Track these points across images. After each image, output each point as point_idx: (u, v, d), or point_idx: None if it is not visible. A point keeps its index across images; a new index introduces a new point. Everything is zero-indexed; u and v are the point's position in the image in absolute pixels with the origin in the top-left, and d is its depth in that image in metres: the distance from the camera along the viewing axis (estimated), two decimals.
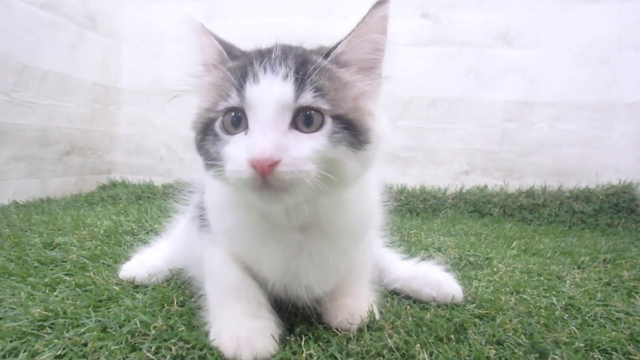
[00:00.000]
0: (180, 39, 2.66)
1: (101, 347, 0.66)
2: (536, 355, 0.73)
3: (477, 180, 2.39)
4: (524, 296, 1.00)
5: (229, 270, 0.78)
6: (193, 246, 0.89)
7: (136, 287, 0.97)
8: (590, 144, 2.30)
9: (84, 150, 2.50)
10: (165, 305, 0.85)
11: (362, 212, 0.80)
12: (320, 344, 0.73)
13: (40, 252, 1.16)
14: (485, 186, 2.33)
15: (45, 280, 0.94)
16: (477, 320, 0.86)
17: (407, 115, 2.46)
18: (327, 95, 0.65)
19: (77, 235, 1.29)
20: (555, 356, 0.72)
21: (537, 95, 2.34)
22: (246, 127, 0.65)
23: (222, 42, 0.76)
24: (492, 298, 0.98)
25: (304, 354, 0.68)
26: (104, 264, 1.09)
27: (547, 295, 1.02)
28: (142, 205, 2.08)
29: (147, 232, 1.44)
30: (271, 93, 0.63)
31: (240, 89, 0.65)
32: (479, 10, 2.37)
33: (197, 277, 0.89)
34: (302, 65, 0.66)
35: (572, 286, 1.11)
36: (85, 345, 0.67)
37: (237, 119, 0.66)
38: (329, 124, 0.64)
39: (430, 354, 0.70)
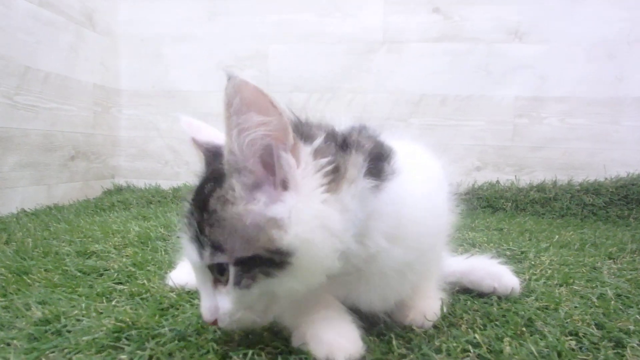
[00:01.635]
0: (180, 40, 2.63)
1: (191, 356, 0.64)
2: (612, 344, 0.73)
3: (489, 176, 2.41)
4: (574, 287, 1.01)
5: None
6: None
7: (191, 293, 0.95)
8: (599, 139, 2.34)
9: (87, 155, 2.45)
10: None
11: (417, 236, 0.71)
12: (402, 342, 0.72)
13: (77, 261, 1.13)
14: (497, 181, 2.36)
15: (98, 290, 0.92)
16: (541, 312, 0.86)
17: (418, 113, 2.47)
18: (224, 245, 0.60)
19: (111, 243, 1.26)
20: (633, 344, 0.72)
21: (547, 91, 2.36)
22: None
23: (207, 156, 0.71)
24: (545, 290, 0.99)
25: (395, 353, 0.67)
26: (150, 270, 1.06)
27: (594, 285, 1.04)
28: (155, 210, 2.05)
29: (179, 237, 1.41)
30: (189, 257, 0.65)
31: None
32: (490, 6, 2.38)
33: None
34: (200, 218, 0.62)
35: (612, 276, 1.13)
36: (171, 355, 0.65)
37: None
38: (232, 274, 0.61)
39: (515, 348, 0.70)
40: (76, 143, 2.35)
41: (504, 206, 2.23)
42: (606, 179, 2.24)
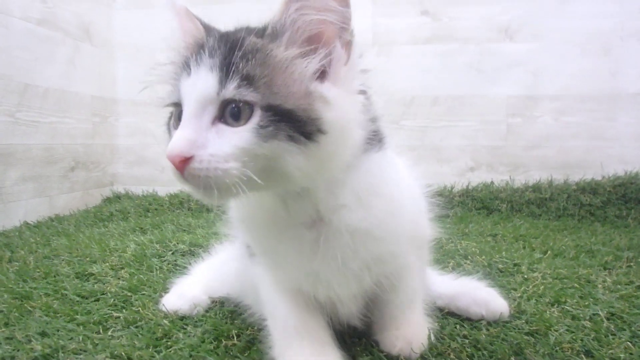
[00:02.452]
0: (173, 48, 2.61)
1: None
2: None
3: (483, 176, 2.41)
4: (566, 307, 1.02)
5: (290, 310, 0.77)
6: (247, 277, 0.89)
7: (183, 319, 0.97)
8: (594, 136, 2.33)
9: (87, 165, 2.47)
10: (223, 340, 0.85)
11: (381, 210, 0.71)
12: None
13: (77, 284, 1.15)
14: (492, 182, 2.36)
15: (95, 318, 0.94)
16: (530, 338, 0.87)
17: (410, 114, 2.47)
18: (257, 83, 0.58)
19: (108, 263, 1.28)
20: None
21: (541, 89, 2.36)
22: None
23: (206, 28, 0.71)
24: (536, 311, 0.99)
25: None
26: (144, 294, 1.08)
27: (587, 304, 1.04)
28: (152, 219, 2.06)
29: (173, 253, 1.44)
30: (196, 86, 0.59)
31: (178, 82, 0.63)
32: (479, 5, 2.37)
33: (253, 306, 0.90)
34: (231, 51, 0.59)
35: (606, 291, 1.13)
36: None
37: (180, 115, 0.61)
38: (256, 116, 0.57)
39: None
40: (76, 154, 2.37)
41: (499, 207, 2.22)
42: (603, 177, 2.23)
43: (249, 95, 0.57)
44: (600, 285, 1.17)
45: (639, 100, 2.27)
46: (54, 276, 1.21)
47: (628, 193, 2.14)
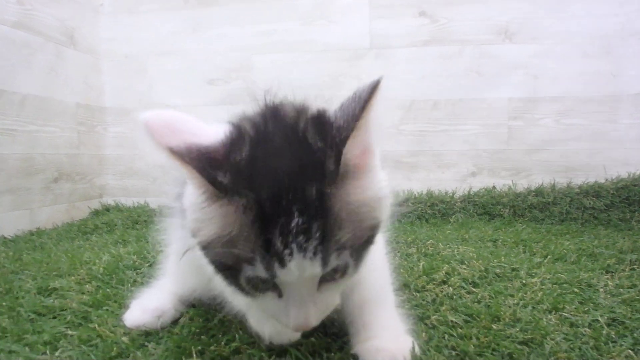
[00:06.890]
0: (164, 54, 2.57)
1: None
2: None
3: (485, 181, 2.32)
4: (564, 314, 0.93)
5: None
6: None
7: (146, 335, 0.88)
8: (597, 138, 2.25)
9: (72, 176, 2.39)
10: (183, 358, 0.76)
11: None
12: None
13: (35, 300, 1.06)
14: (494, 187, 2.27)
15: (45, 338, 0.85)
16: (524, 347, 0.78)
17: (409, 119, 2.39)
18: (348, 244, 0.57)
19: (74, 277, 1.19)
20: None
21: (541, 91, 2.28)
22: (276, 290, 0.60)
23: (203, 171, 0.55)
24: (532, 319, 0.90)
25: None
26: (108, 310, 0.99)
27: (586, 309, 0.96)
28: (139, 231, 1.99)
29: (150, 265, 1.35)
30: (302, 274, 0.55)
31: (263, 261, 0.55)
32: (477, 6, 2.30)
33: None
34: (324, 231, 0.54)
35: (608, 296, 1.05)
36: None
37: (265, 283, 0.59)
38: (351, 266, 0.60)
39: None
40: (59, 165, 2.29)
41: (502, 212, 2.14)
42: (606, 180, 2.15)
43: (345, 256, 0.58)
44: (601, 290, 1.09)
45: None
46: (16, 291, 1.13)
47: (632, 195, 2.05)
